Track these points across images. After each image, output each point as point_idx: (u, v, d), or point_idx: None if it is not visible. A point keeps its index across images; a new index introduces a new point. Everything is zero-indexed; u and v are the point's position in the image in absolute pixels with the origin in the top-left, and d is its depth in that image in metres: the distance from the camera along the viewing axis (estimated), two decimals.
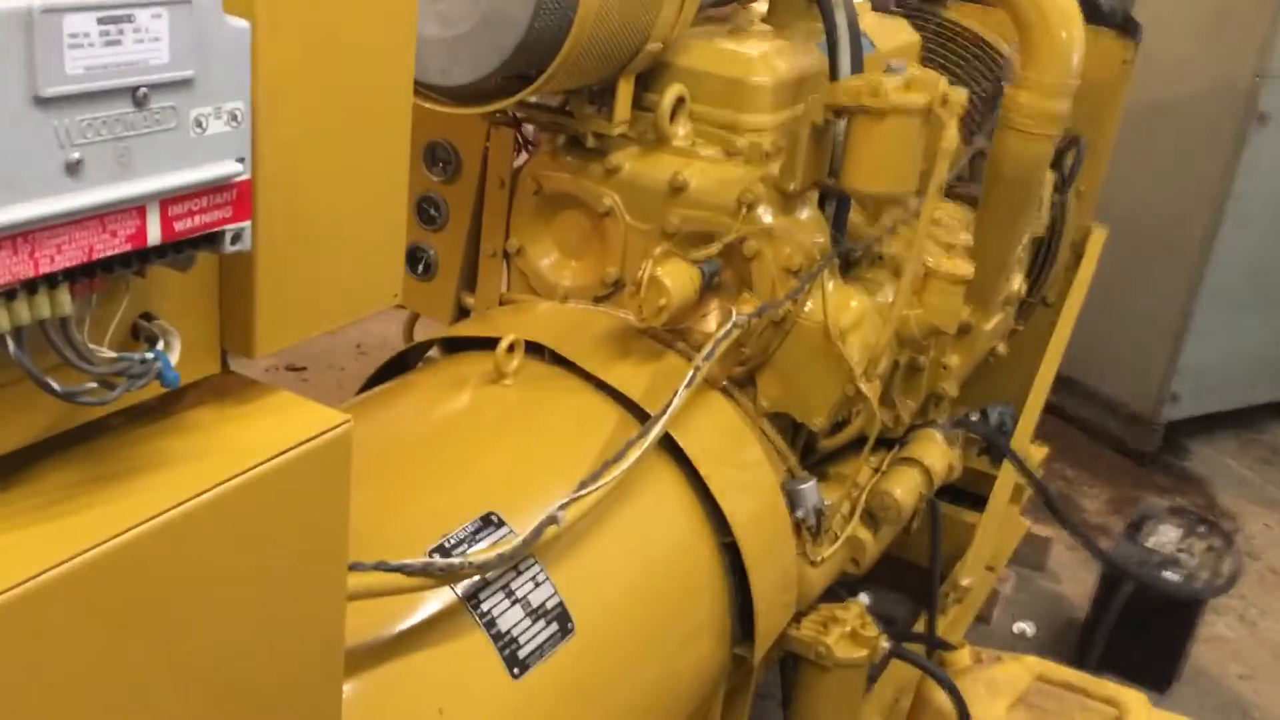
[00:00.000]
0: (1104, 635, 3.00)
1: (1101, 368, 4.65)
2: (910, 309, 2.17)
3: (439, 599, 1.53)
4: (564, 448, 1.86)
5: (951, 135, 1.92)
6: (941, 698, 2.43)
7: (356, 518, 1.56)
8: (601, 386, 1.98)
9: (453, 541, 1.60)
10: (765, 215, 2.08)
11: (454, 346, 2.14)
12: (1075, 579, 3.73)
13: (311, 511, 0.99)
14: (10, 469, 0.89)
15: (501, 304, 2.36)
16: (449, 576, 1.43)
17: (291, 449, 0.96)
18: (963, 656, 2.51)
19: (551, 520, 1.59)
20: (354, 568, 1.25)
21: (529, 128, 2.34)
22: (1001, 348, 2.73)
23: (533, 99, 2.13)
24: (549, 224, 2.29)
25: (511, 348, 1.95)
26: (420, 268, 2.45)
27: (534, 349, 2.03)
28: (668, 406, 1.83)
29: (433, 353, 2.22)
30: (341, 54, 0.94)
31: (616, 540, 1.82)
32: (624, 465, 1.73)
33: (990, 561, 3.47)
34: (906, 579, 3.22)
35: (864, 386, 2.05)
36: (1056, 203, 2.90)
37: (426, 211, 2.41)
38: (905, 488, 2.33)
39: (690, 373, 1.88)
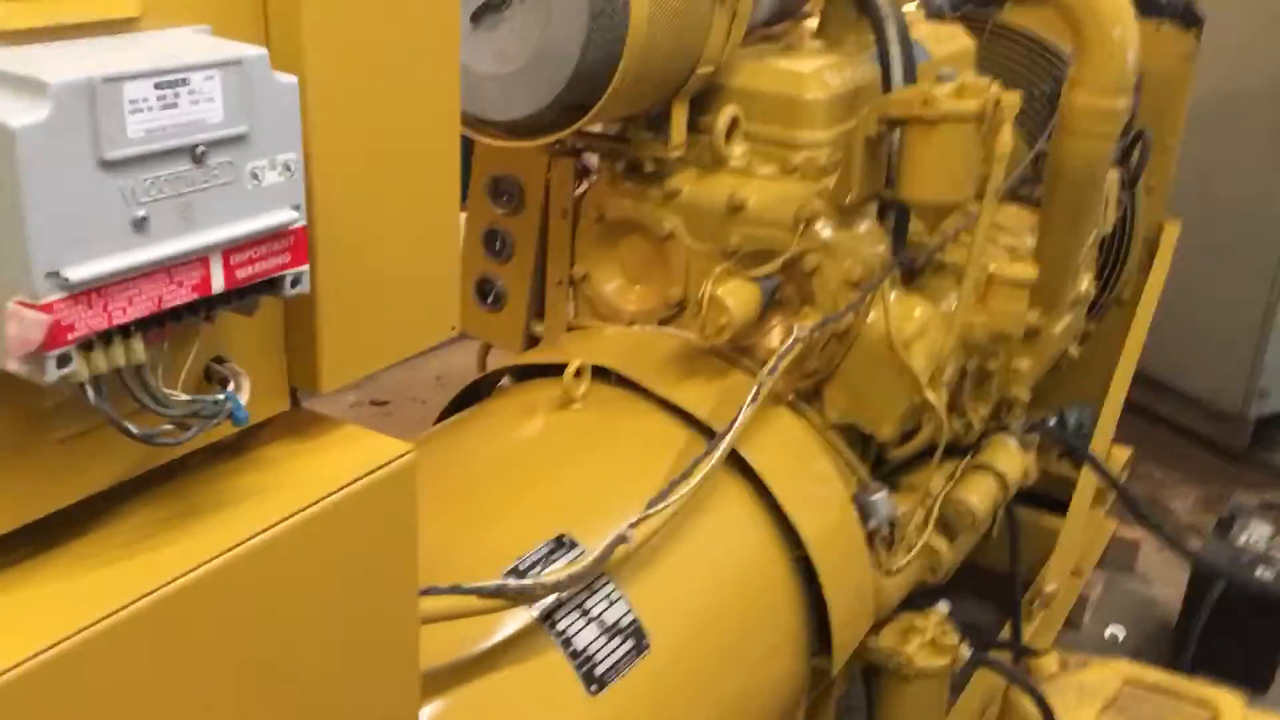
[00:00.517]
0: (1195, 637, 2.94)
1: (1187, 366, 4.56)
2: (974, 315, 2.17)
3: (516, 620, 1.57)
4: (633, 468, 1.89)
5: (1005, 139, 1.93)
6: (1028, 705, 2.41)
7: (433, 544, 1.61)
8: (668, 407, 2.01)
9: (527, 563, 1.64)
10: (824, 230, 2.09)
11: (524, 374, 2.19)
12: (1166, 580, 3.66)
13: (380, 538, 1.03)
14: (99, 508, 0.95)
15: (570, 331, 2.41)
16: (523, 597, 1.47)
17: (358, 479, 1.00)
18: (1049, 662, 2.49)
19: (621, 539, 1.62)
20: (429, 592, 1.29)
21: (591, 157, 2.39)
22: (1074, 350, 2.71)
23: (590, 128, 2.18)
24: (612, 250, 2.34)
25: (579, 373, 1.99)
26: (490, 299, 2.51)
27: (601, 373, 2.07)
28: (733, 423, 1.86)
29: (504, 381, 2.27)
30: (387, 100, 0.99)
31: (688, 558, 1.84)
32: (691, 483, 1.76)
33: (1077, 566, 3.43)
34: (990, 587, 3.19)
35: (930, 395, 2.05)
36: (1124, 199, 2.87)
37: (493, 244, 2.47)
38: (979, 494, 2.32)
39: (754, 389, 1.90)
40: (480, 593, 1.39)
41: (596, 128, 2.20)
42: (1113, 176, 2.62)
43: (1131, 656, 3.26)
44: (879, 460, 2.40)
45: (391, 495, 1.02)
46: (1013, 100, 1.92)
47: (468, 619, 1.49)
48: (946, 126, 1.94)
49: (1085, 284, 2.48)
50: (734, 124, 2.21)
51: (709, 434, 1.97)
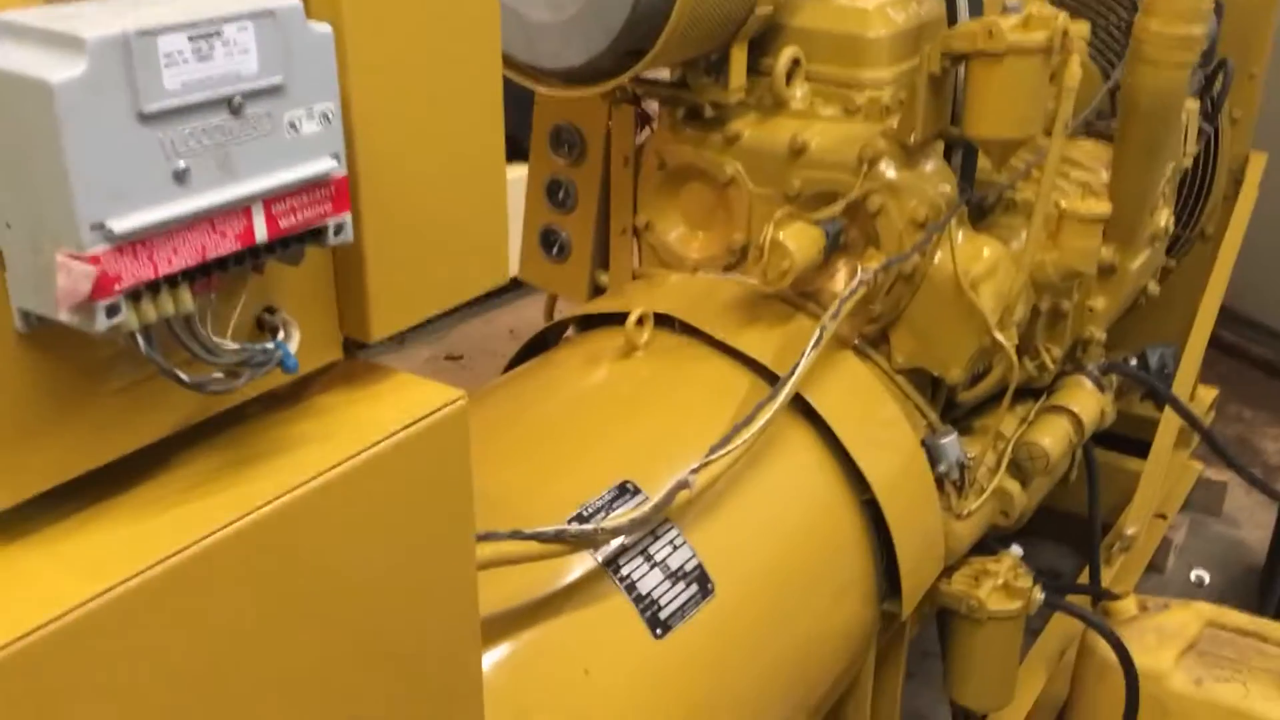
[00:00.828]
0: None
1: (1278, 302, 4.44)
2: (1045, 253, 2.13)
3: (580, 566, 1.59)
4: (696, 415, 1.89)
5: (1074, 71, 1.88)
6: (1106, 649, 2.39)
7: (499, 492, 1.64)
8: (731, 353, 2.01)
9: (590, 510, 1.65)
10: (888, 170, 2.06)
11: (589, 324, 2.20)
12: (1254, 523, 3.58)
13: (434, 482, 1.05)
14: (160, 456, 0.98)
15: (634, 279, 2.41)
16: (583, 542, 1.48)
17: (410, 425, 1.01)
18: (1128, 605, 2.45)
19: (683, 485, 1.62)
20: (487, 537, 1.31)
21: (651, 104, 2.37)
22: (1153, 286, 2.64)
23: (649, 74, 2.17)
24: (675, 197, 2.32)
25: (641, 321, 1.99)
26: (554, 250, 2.51)
27: (665, 321, 2.07)
28: (795, 368, 1.85)
29: (570, 331, 2.28)
30: (426, 46, 0.99)
31: (753, 503, 1.84)
32: (754, 428, 1.76)
33: (1160, 509, 3.37)
34: (1069, 531, 3.16)
35: (999, 336, 2.02)
36: (1207, 130, 2.78)
37: (556, 195, 2.47)
38: (1054, 437, 2.29)
39: (817, 332, 1.89)
40: (540, 538, 1.40)
41: (656, 74, 2.19)
42: (1192, 107, 2.54)
43: (1216, 600, 3.22)
44: (949, 404, 2.37)
45: (444, 440, 1.03)
46: (1081, 31, 1.87)
47: (532, 565, 1.51)
48: (1012, 60, 1.89)
49: (1164, 219, 2.41)
50: (795, 65, 2.18)
51: (773, 379, 1.96)
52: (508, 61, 2.05)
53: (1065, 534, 3.24)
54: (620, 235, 2.42)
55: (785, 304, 2.13)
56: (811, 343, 1.87)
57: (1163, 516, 3.36)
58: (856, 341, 2.16)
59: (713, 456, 1.69)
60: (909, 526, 2.01)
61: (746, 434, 1.74)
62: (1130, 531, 2.89)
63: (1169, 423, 2.92)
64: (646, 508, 1.56)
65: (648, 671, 1.59)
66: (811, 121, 2.16)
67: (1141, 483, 2.89)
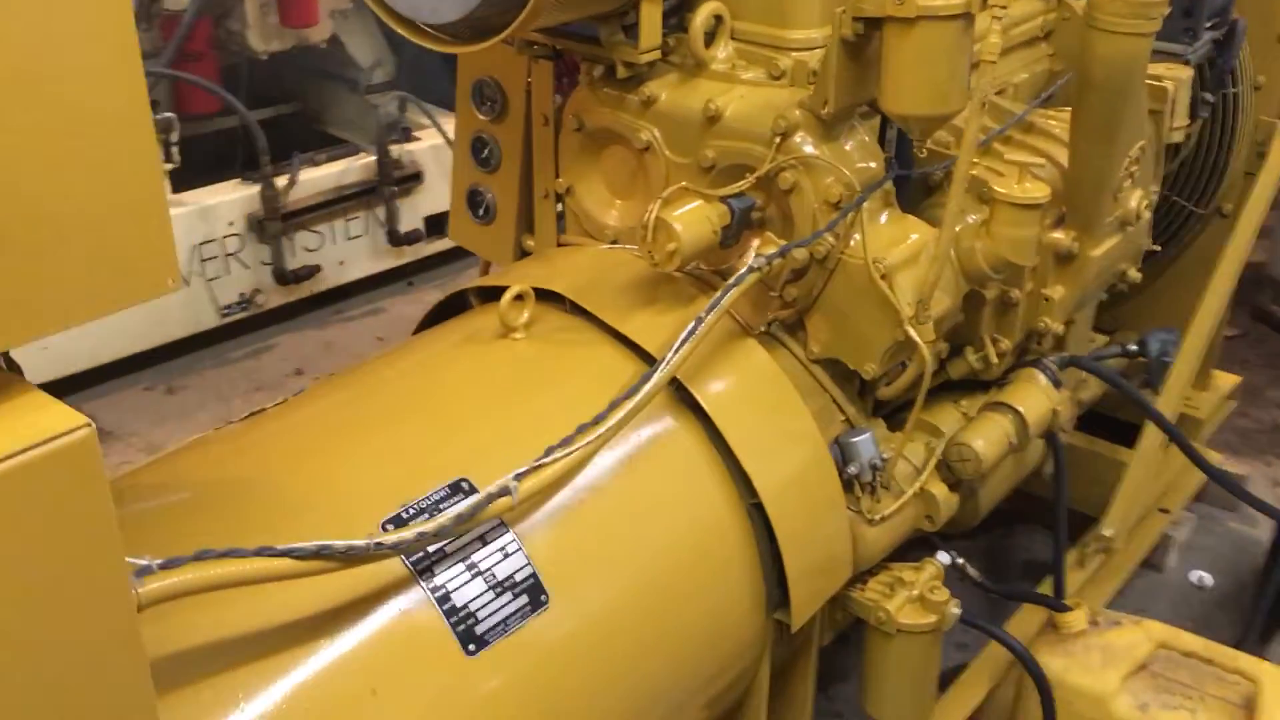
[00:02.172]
0: (1272, 591, 2.66)
1: None
2: (977, 240, 1.93)
3: (388, 572, 1.47)
4: (566, 406, 1.74)
5: (992, 43, 1.67)
6: (1052, 665, 2.22)
7: (316, 486, 1.53)
8: (621, 338, 1.86)
9: (412, 511, 1.53)
10: (804, 144, 1.88)
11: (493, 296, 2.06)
12: (1272, 522, 3.32)
13: (59, 512, 0.93)
14: None
15: (560, 247, 2.27)
16: (354, 559, 1.36)
17: (24, 451, 0.90)
18: (1077, 619, 2.28)
19: (504, 491, 1.49)
20: (203, 556, 1.19)
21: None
22: (1133, 273, 2.41)
23: (574, 28, 2.01)
24: (595, 161, 2.17)
25: (521, 298, 1.86)
26: (481, 211, 2.38)
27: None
28: (664, 362, 1.70)
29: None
30: (40, 57, 0.86)
31: (617, 506, 1.71)
32: (602, 428, 1.61)
33: (1164, 502, 3.15)
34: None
35: (912, 331, 1.83)
36: (1210, 101, 2.53)
37: (480, 153, 2.33)
38: (988, 438, 2.10)
39: (691, 324, 1.73)
40: (296, 554, 1.28)
41: (579, 27, 2.02)
42: (1181, 76, 2.30)
43: (1217, 606, 3.01)
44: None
45: (65, 469, 0.92)
46: None
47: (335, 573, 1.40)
48: (925, 26, 1.70)
49: (1135, 202, 2.17)
50: (718, 23, 2.00)
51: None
52: (394, 16, 1.91)
53: (1028, 515, 3.05)
54: (543, 199, 2.27)
55: (694, 285, 1.97)
56: (684, 335, 1.72)
57: (1165, 511, 3.14)
58: (771, 328, 2.00)
59: (544, 460, 1.56)
60: (802, 532, 1.86)
61: (593, 434, 1.60)
62: (1108, 532, 2.69)
63: (1166, 409, 2.69)
64: (444, 518, 1.43)
65: (453, 692, 1.47)
66: (733, 85, 1.99)
67: (1124, 480, 2.68)
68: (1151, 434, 2.69)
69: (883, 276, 1.86)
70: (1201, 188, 2.81)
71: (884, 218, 1.93)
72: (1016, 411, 2.16)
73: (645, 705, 1.71)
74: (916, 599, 2.01)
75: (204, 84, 3.82)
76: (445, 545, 1.52)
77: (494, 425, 1.72)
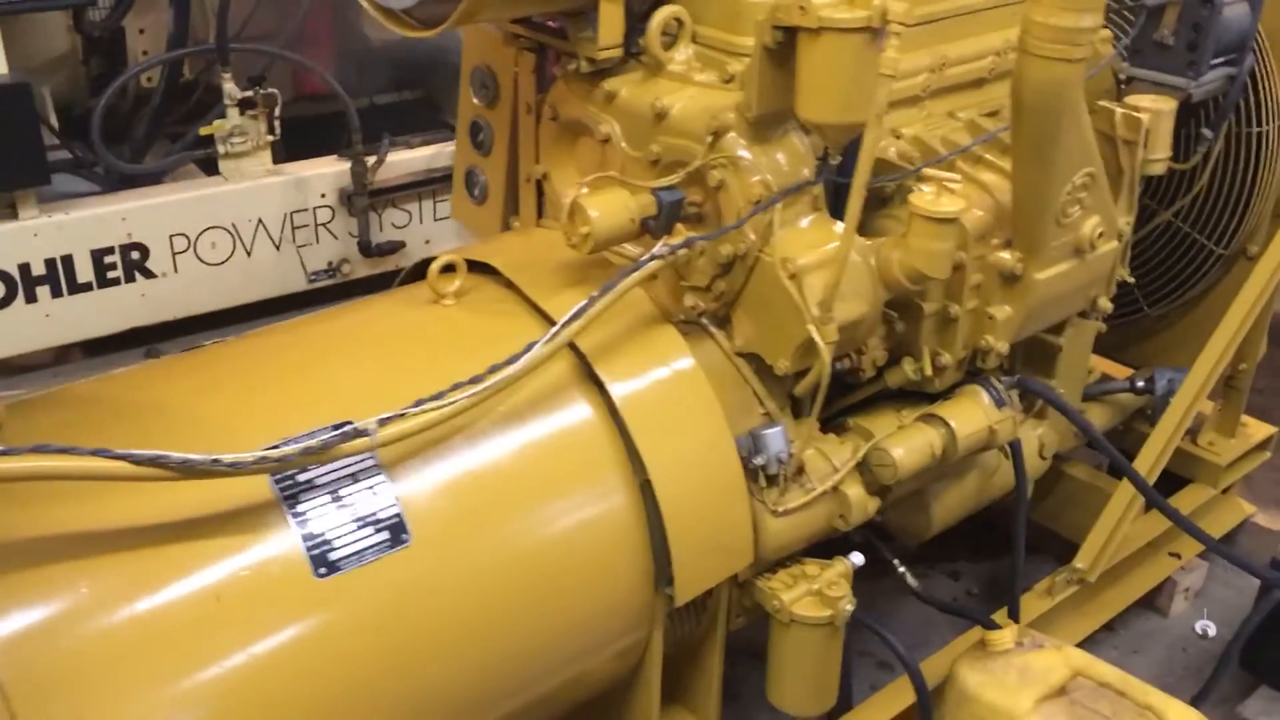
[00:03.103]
0: (1245, 634, 2.59)
1: None
2: (893, 251, 1.98)
3: (254, 494, 1.63)
4: (469, 368, 1.87)
5: (889, 57, 1.73)
6: (968, 678, 2.25)
7: (217, 412, 1.70)
8: (542, 313, 1.99)
9: (287, 443, 1.67)
10: (734, 144, 1.97)
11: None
12: None
13: None
14: None
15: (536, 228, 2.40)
16: (186, 472, 1.51)
17: None
18: (1004, 637, 2.30)
19: (360, 432, 1.63)
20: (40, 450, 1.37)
21: None
22: (1104, 302, 2.40)
23: (551, 23, 2.15)
24: (570, 151, 2.30)
25: (453, 269, 2.00)
26: (475, 191, 2.53)
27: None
28: (549, 335, 1.81)
29: None
30: None
31: (500, 465, 1.83)
32: (478, 387, 1.74)
33: (1175, 546, 3.08)
34: (1051, 544, 2.96)
35: (814, 332, 1.90)
36: (1207, 138, 2.50)
37: (476, 136, 2.48)
38: (909, 447, 2.15)
39: (583, 301, 1.84)
40: (134, 459, 1.45)
41: (557, 22, 2.14)
42: (1165, 108, 2.28)
43: (1215, 657, 2.93)
44: (832, 398, 2.27)
45: None
46: (901, 10, 1.72)
47: (199, 486, 1.57)
48: (830, 38, 1.77)
49: (1089, 228, 2.17)
50: (680, 26, 2.10)
51: (573, 346, 1.93)
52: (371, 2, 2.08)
53: (1045, 545, 3.03)
54: (526, 184, 2.41)
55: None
56: (573, 310, 1.83)
57: (1175, 555, 3.07)
58: (701, 319, 2.09)
59: (412, 409, 1.69)
60: (691, 512, 1.94)
61: (466, 392, 1.73)
62: (1080, 565, 2.67)
63: (1150, 449, 2.66)
64: (295, 448, 1.58)
65: (296, 607, 1.62)
66: (686, 86, 2.08)
67: (1103, 514, 2.66)
68: (1139, 467, 2.66)
69: (792, 276, 1.93)
70: (1222, 226, 2.75)
71: (806, 221, 2.00)
72: (947, 425, 2.19)
73: (508, 661, 1.82)
74: (815, 593, 2.07)
75: (305, 63, 4.09)
76: (316, 478, 1.68)
77: (395, 377, 1.86)
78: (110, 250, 3.84)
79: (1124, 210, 2.32)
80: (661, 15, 2.07)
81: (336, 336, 1.97)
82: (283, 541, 1.63)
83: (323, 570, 1.64)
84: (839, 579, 2.08)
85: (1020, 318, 2.19)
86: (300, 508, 1.66)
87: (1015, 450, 2.44)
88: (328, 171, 4.20)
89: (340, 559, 1.66)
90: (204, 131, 3.94)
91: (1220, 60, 2.47)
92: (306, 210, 4.21)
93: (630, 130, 2.12)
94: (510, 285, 2.06)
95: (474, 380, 1.75)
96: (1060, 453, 2.87)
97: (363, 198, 4.21)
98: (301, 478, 1.67)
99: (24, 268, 3.71)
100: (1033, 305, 2.18)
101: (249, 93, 3.92)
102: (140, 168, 3.95)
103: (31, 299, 3.76)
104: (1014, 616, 2.54)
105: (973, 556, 3.23)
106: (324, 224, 4.27)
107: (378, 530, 1.70)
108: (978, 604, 3.08)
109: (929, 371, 2.19)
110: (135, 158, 4.09)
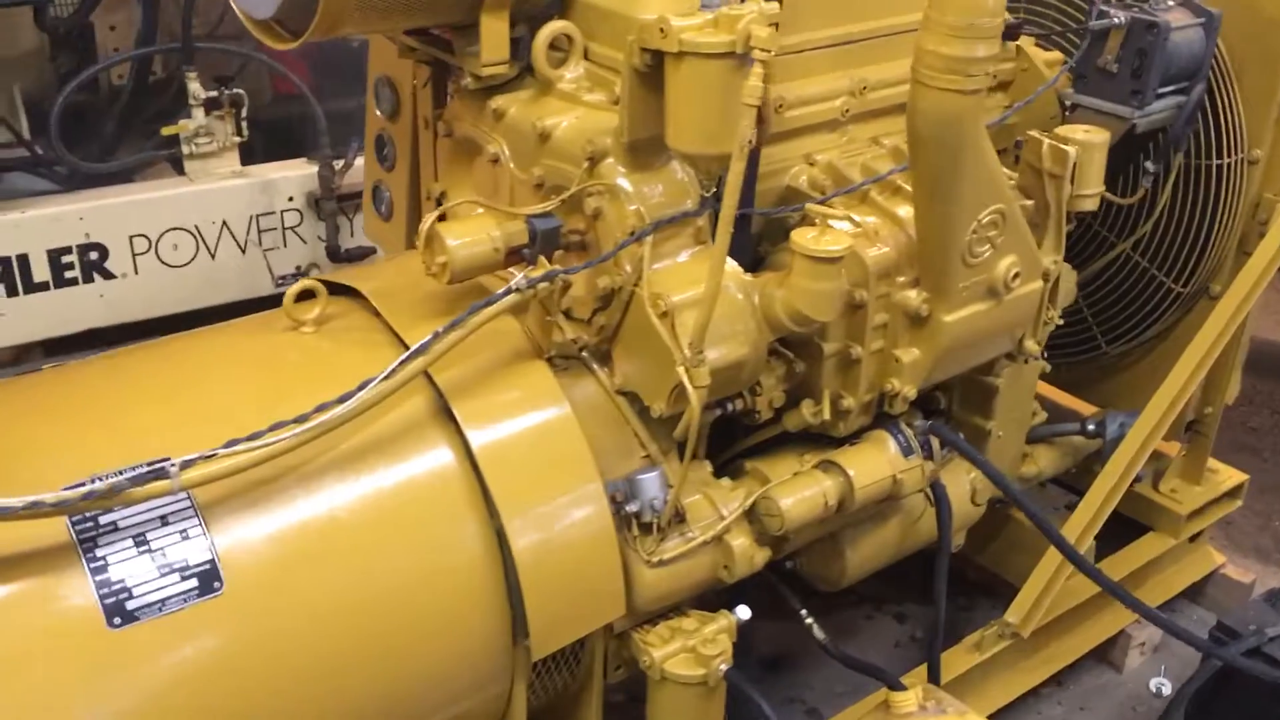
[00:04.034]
0: (1183, 701, 2.42)
1: None
2: (777, 289, 1.85)
3: (49, 536, 1.54)
4: (314, 402, 1.76)
5: (752, 86, 1.60)
6: None
7: (29, 444, 1.60)
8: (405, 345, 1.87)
9: (93, 482, 1.57)
10: (612, 172, 1.85)
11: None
12: None
13: None
14: None
15: None
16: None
17: None
18: (908, 700, 2.15)
19: (160, 474, 1.53)
20: None
21: None
22: (1031, 344, 2.25)
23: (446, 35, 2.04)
24: (467, 169, 2.18)
25: (313, 295, 1.90)
26: (383, 207, 2.43)
27: None
28: (386, 373, 1.70)
29: None
30: None
31: (336, 511, 1.72)
32: (301, 428, 1.63)
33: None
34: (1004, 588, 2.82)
35: (683, 372, 1.77)
36: (1152, 171, 2.34)
37: (381, 150, 2.38)
38: (799, 497, 2.02)
39: (429, 337, 1.73)
40: None
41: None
42: (1096, 140, 2.12)
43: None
44: (731, 441, 2.15)
45: None
46: (765, 36, 1.59)
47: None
48: (693, 63, 1.64)
49: (1003, 268, 2.02)
50: (569, 43, 1.99)
51: (430, 378, 1.83)
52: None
53: (1000, 589, 2.88)
54: (427, 200, 2.31)
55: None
56: (416, 347, 1.72)
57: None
58: (582, 355, 1.97)
59: (222, 450, 1.58)
60: (550, 562, 1.82)
61: (286, 433, 1.62)
62: (1011, 619, 2.52)
63: (1093, 496, 2.50)
64: (76, 492, 1.48)
65: (83, 659, 1.52)
66: (574, 107, 1.96)
67: (1038, 567, 2.50)
68: (1078, 517, 2.51)
69: (664, 314, 1.81)
70: (1181, 263, 2.58)
71: (686, 255, 1.87)
72: (845, 473, 2.05)
73: (340, 717, 1.72)
74: (690, 650, 1.94)
75: (275, 65, 4.02)
76: (120, 520, 1.58)
77: (227, 411, 1.75)
78: (68, 250, 3.78)
79: (1051, 249, 2.17)
80: (547, 31, 1.96)
81: (180, 363, 1.87)
82: (74, 589, 1.53)
83: (117, 620, 1.54)
84: (718, 635, 1.95)
85: (929, 361, 2.05)
86: (99, 552, 1.56)
87: (939, 496, 2.30)
88: (295, 174, 4.12)
89: (138, 608, 1.55)
90: (166, 131, 3.88)
91: (1171, 89, 2.31)
92: (274, 213, 4.13)
93: (517, 151, 2.01)
94: (379, 314, 1.95)
95: (299, 420, 1.64)
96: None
97: (330, 202, 4.12)
98: (104, 520, 1.57)
99: None
100: (943, 348, 2.04)
101: (214, 93, 3.85)
102: (98, 166, 3.88)
103: None
104: (933, 675, 2.39)
105: (921, 598, 3.08)
106: (291, 227, 4.19)
107: (185, 578, 1.59)
108: (921, 648, 2.94)
109: (827, 415, 2.05)
110: (104, 156, 4.04)
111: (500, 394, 1.86)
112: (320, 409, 1.66)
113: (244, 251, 4.11)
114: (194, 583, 1.60)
